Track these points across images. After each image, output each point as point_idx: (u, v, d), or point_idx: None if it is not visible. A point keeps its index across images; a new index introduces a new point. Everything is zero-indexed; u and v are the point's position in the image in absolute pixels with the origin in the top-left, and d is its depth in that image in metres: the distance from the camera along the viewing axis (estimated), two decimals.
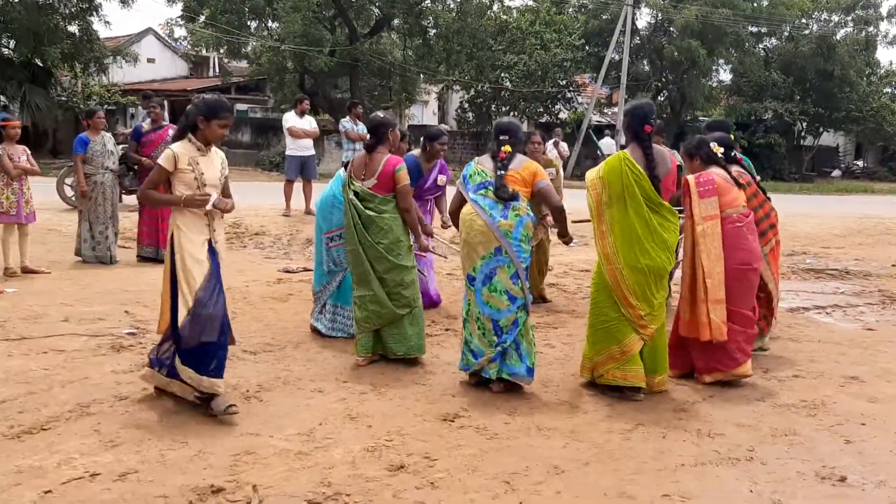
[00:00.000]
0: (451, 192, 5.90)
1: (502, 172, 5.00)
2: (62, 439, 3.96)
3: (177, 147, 4.48)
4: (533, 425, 4.46)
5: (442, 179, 7.06)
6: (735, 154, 5.93)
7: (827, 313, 7.75)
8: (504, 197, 4.93)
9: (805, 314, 7.67)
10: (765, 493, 3.71)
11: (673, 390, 5.16)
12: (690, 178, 5.46)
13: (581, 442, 4.25)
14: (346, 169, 6.01)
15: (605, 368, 5.00)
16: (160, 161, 4.49)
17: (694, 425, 4.56)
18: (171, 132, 9.09)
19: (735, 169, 5.65)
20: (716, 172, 5.44)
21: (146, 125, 9.11)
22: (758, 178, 6.05)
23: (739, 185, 5.46)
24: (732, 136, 6.24)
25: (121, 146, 10.00)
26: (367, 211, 5.39)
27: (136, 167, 9.19)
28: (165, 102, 30.74)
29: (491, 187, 4.98)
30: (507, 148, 5.05)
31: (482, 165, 5.13)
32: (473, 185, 5.08)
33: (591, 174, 5.10)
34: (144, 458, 3.78)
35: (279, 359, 5.55)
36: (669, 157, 5.13)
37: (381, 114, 5.86)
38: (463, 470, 3.83)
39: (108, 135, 9.06)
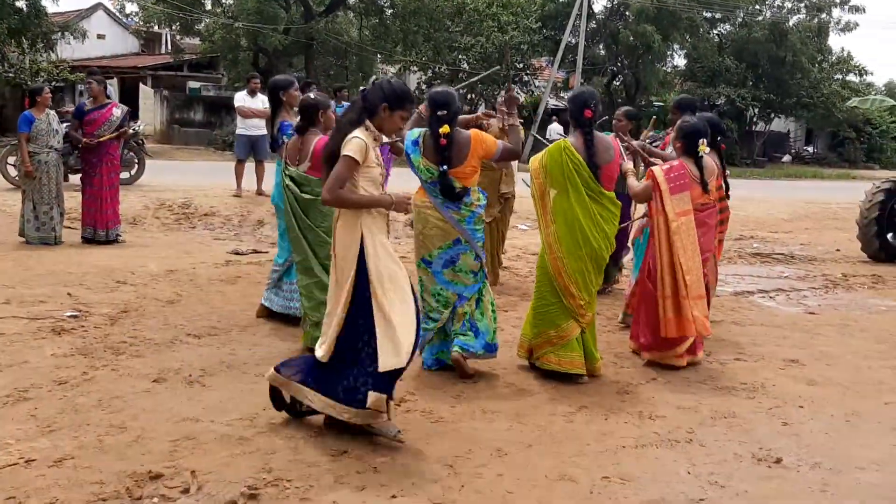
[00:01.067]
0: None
1: (445, 168, 4.74)
2: None
3: (362, 135, 3.81)
4: (478, 409, 4.48)
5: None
6: (720, 141, 5.83)
7: (771, 297, 7.90)
8: (451, 196, 4.82)
9: (749, 298, 7.82)
10: (702, 474, 3.77)
11: (617, 373, 5.24)
12: (657, 170, 5.37)
13: (525, 425, 4.28)
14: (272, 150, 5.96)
15: (542, 352, 5.06)
16: (351, 153, 3.75)
17: (636, 407, 4.62)
18: (115, 111, 8.91)
19: (714, 161, 5.56)
20: (688, 166, 5.37)
21: (89, 103, 8.88)
22: (727, 172, 6.06)
23: (704, 184, 5.39)
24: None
25: (64, 124, 9.76)
26: (304, 195, 5.25)
27: (78, 145, 8.94)
28: (116, 80, 30.17)
29: (437, 187, 4.82)
30: (446, 129, 4.67)
31: (427, 159, 4.83)
32: (423, 178, 4.92)
33: (533, 162, 5.09)
34: (82, 444, 3.72)
35: (224, 342, 5.49)
36: (613, 144, 5.12)
37: (312, 95, 5.58)
38: (406, 454, 3.83)
39: (54, 113, 8.85)
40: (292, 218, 5.32)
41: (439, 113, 4.72)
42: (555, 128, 25.52)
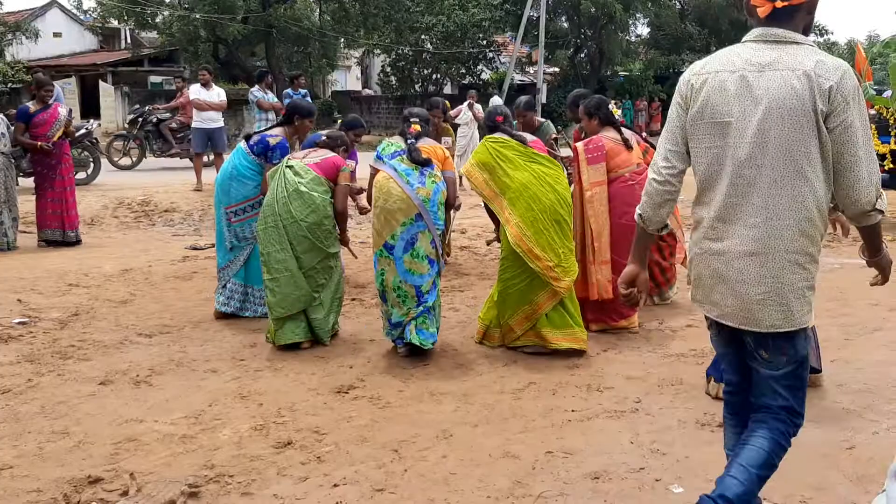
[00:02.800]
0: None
1: (413, 141, 5.08)
2: None
3: None
4: (426, 391, 4.49)
5: (350, 165, 6.93)
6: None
7: None
8: (418, 160, 4.96)
9: None
10: (644, 443, 3.81)
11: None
12: (579, 145, 5.66)
13: (472, 405, 4.29)
14: (246, 141, 5.90)
15: (522, 329, 5.08)
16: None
17: (584, 380, 4.65)
18: (61, 110, 8.78)
19: (627, 132, 5.78)
20: (607, 136, 5.64)
21: (33, 105, 8.73)
22: (644, 135, 6.28)
23: (628, 147, 5.64)
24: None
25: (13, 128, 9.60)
26: (298, 185, 5.16)
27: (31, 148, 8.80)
28: (75, 79, 29.73)
29: (405, 155, 5.03)
30: (417, 126, 5.19)
31: (393, 140, 5.26)
32: (387, 154, 5.10)
33: (466, 168, 5.31)
34: (21, 452, 3.68)
35: (175, 340, 5.45)
36: (529, 137, 5.44)
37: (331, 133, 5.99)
38: (352, 441, 3.84)
39: (1, 116, 8.68)
40: (274, 207, 5.16)
41: (412, 119, 5.28)
42: (495, 100, 25.46)
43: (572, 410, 4.21)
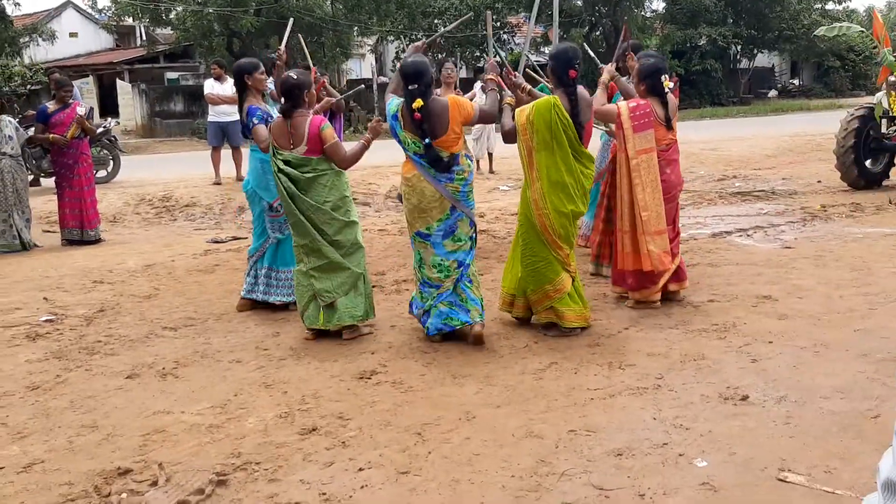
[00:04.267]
0: None
1: (429, 141, 4.73)
2: None
3: None
4: (448, 374, 4.51)
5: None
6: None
7: (748, 235, 7.90)
8: (441, 170, 4.80)
9: (726, 238, 7.81)
10: (667, 419, 3.80)
11: (589, 324, 5.24)
12: (623, 107, 5.39)
13: (494, 386, 4.31)
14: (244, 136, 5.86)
15: (542, 306, 5.10)
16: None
17: (606, 358, 4.65)
18: (79, 109, 8.86)
19: (672, 103, 5.59)
20: (653, 106, 5.44)
21: (52, 105, 8.83)
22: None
23: (668, 127, 5.48)
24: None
25: (32, 129, 9.72)
26: (305, 175, 5.09)
27: (49, 149, 8.91)
28: (92, 78, 29.96)
29: (426, 159, 4.79)
30: (419, 103, 4.65)
31: (408, 132, 4.80)
32: (409, 151, 4.87)
33: (520, 116, 4.99)
34: (52, 447, 3.75)
35: (200, 332, 5.51)
36: (590, 99, 5.15)
37: (293, 74, 5.24)
38: (375, 426, 3.87)
39: (6, 119, 8.76)
40: (290, 202, 5.11)
41: (410, 87, 4.71)
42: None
43: (594, 389, 4.22)
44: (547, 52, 31.55)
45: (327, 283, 5.14)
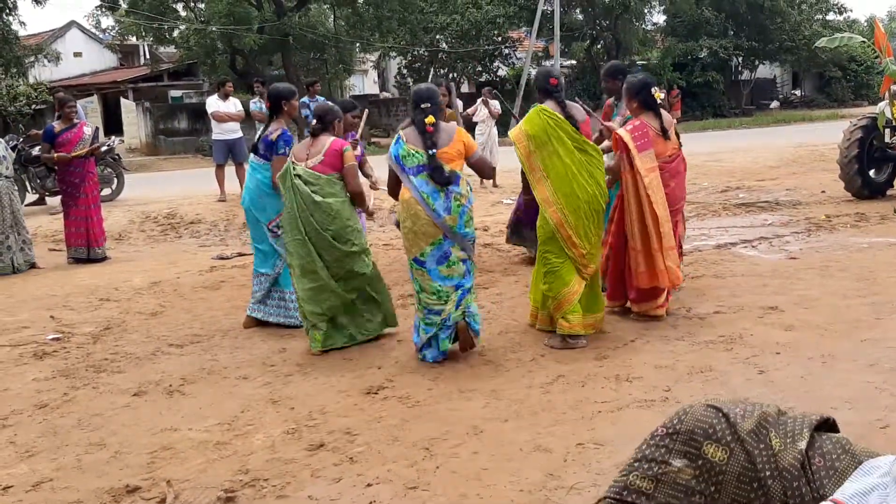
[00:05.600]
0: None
1: (433, 152, 4.81)
2: None
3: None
4: (455, 389, 4.51)
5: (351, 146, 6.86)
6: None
7: (753, 246, 7.90)
8: (441, 182, 4.82)
9: (731, 249, 7.81)
10: None
11: (596, 338, 5.25)
12: (622, 132, 5.45)
13: (501, 400, 4.30)
14: (254, 153, 5.88)
15: (560, 314, 5.11)
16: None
17: (613, 371, 4.64)
18: (86, 129, 8.91)
19: (666, 117, 5.61)
20: (648, 122, 5.46)
21: (58, 125, 8.87)
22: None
23: (666, 137, 5.52)
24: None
25: (37, 148, 9.76)
26: (313, 195, 5.14)
27: (55, 167, 8.94)
28: (97, 97, 30.12)
29: (428, 171, 4.83)
30: (432, 119, 4.86)
31: (412, 144, 4.89)
32: (410, 167, 4.88)
33: (514, 132, 5.22)
34: (60, 465, 3.76)
35: (206, 349, 5.52)
36: (580, 107, 5.38)
37: (329, 103, 5.83)
38: (383, 441, 3.87)
39: (1, 140, 8.78)
40: (297, 220, 5.17)
41: (423, 106, 4.92)
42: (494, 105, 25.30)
43: (602, 402, 4.21)
44: (548, 65, 31.68)
45: (313, 306, 5.21)
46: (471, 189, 5.03)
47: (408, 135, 4.96)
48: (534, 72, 32.89)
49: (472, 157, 5.05)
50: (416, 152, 4.86)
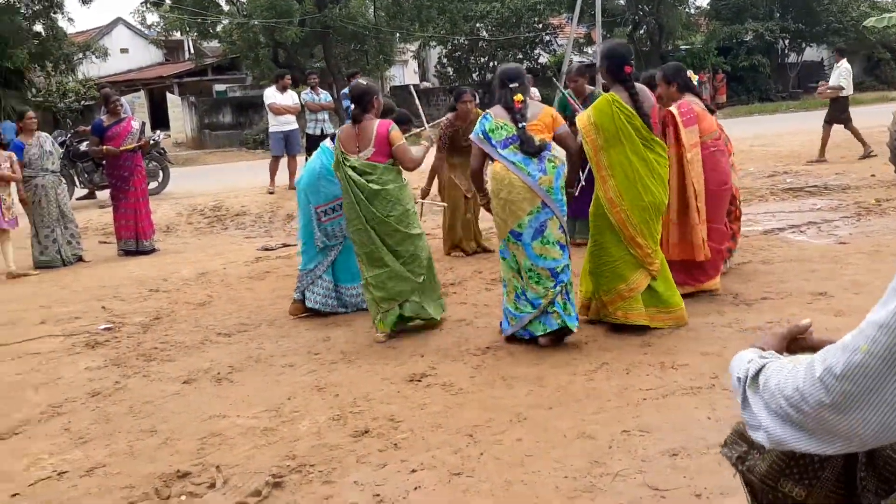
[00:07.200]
0: None
1: (524, 124, 4.83)
2: (32, 442, 4.03)
3: None
4: (498, 376, 4.51)
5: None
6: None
7: (801, 231, 7.76)
8: (532, 152, 4.81)
9: (779, 235, 7.68)
10: (723, 419, 3.75)
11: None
12: (673, 108, 5.53)
13: (544, 388, 4.30)
14: (332, 141, 5.93)
15: (614, 307, 5.07)
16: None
17: (658, 358, 4.60)
18: (133, 123, 9.08)
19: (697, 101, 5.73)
20: (692, 101, 5.60)
21: (106, 119, 9.05)
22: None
23: (711, 111, 5.65)
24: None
25: (85, 143, 9.97)
26: (371, 185, 5.19)
27: (102, 162, 9.13)
28: (143, 92, 30.64)
29: (517, 143, 4.83)
30: (520, 97, 4.88)
31: (500, 118, 4.90)
32: (498, 140, 4.87)
33: (582, 119, 5.07)
34: (113, 451, 3.85)
35: (253, 338, 5.60)
36: (649, 92, 5.20)
37: (363, 81, 5.82)
38: (427, 428, 3.89)
39: (45, 135, 8.97)
40: (357, 209, 5.22)
41: (511, 85, 4.94)
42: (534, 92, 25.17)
43: (647, 389, 4.18)
44: (590, 52, 31.39)
45: (386, 292, 5.26)
46: (559, 157, 5.00)
47: (496, 111, 4.97)
48: (576, 58, 32.68)
49: (560, 130, 5.00)
50: (505, 125, 4.88)
